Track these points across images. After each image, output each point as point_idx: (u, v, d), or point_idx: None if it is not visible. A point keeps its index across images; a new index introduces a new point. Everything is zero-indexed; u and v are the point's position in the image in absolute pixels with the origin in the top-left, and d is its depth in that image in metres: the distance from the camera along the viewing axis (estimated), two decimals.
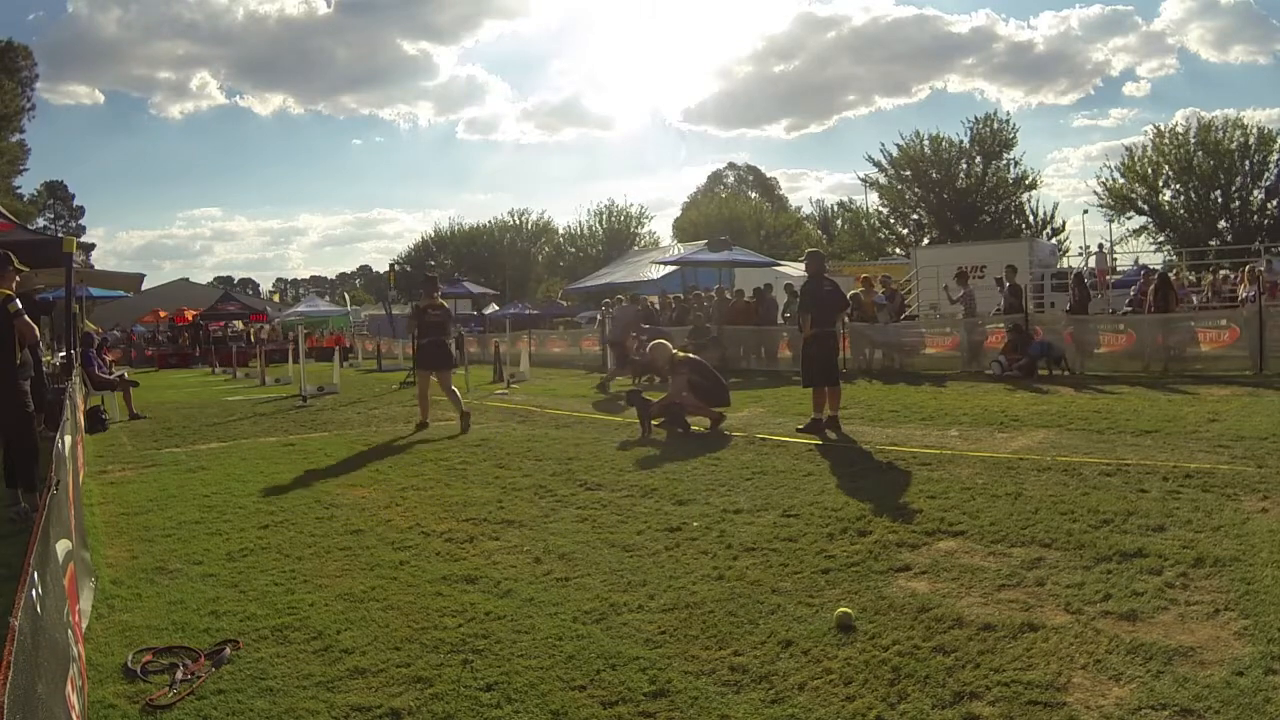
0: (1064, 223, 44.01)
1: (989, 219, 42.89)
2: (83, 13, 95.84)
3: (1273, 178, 37.60)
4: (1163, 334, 12.68)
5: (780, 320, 17.83)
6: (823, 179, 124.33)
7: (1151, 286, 15.20)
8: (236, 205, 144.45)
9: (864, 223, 49.55)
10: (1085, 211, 69.26)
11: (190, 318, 37.44)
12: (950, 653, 3.13)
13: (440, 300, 10.82)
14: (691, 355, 9.71)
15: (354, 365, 26.26)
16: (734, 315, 18.04)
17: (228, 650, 3.39)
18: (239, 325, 37.93)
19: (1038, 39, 79.22)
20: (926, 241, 41.78)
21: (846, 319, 13.63)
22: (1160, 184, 40.71)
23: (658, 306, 20.86)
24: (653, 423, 8.57)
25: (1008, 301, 14.95)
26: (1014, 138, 43.90)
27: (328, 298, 73.57)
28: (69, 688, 2.15)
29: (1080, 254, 26.20)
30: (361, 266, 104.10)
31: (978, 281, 18.44)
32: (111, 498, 6.56)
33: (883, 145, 46.08)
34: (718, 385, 9.03)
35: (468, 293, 38.09)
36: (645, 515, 5.34)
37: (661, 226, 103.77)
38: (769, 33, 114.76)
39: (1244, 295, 16.18)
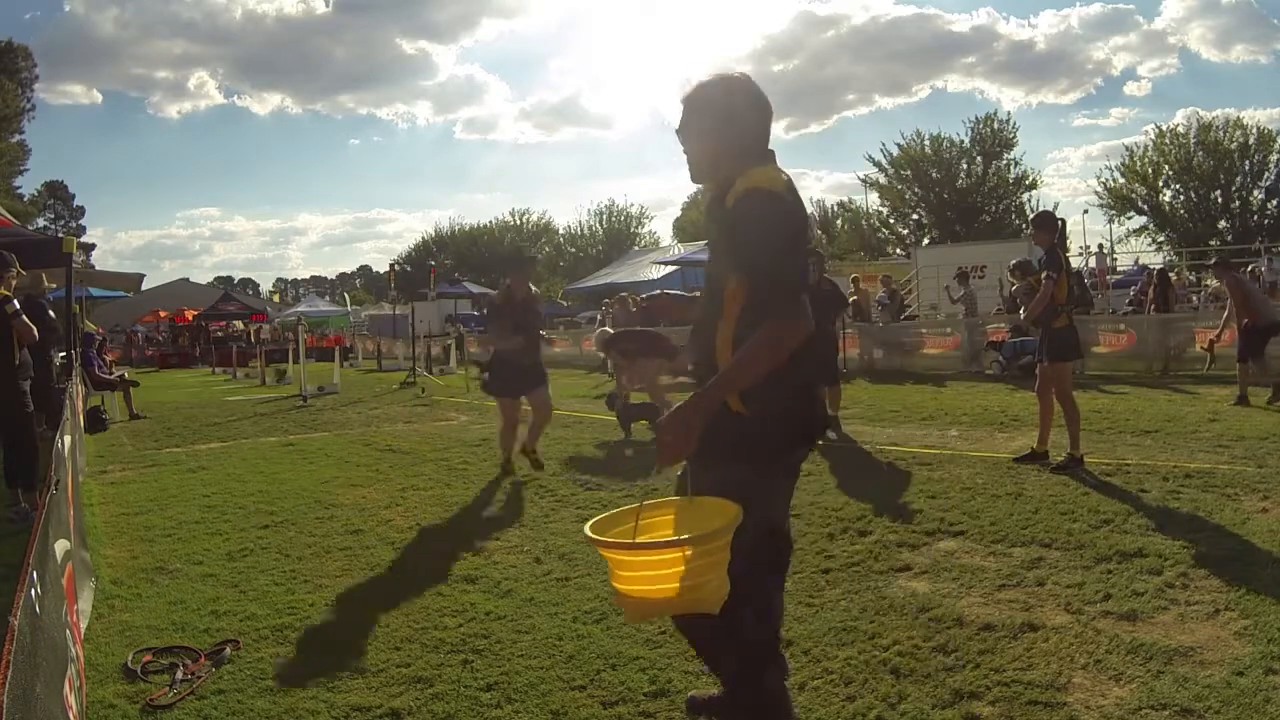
0: (1063, 223, 43.99)
1: (989, 219, 42.87)
2: (79, 12, 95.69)
3: (1273, 177, 37.63)
4: (1163, 334, 12.70)
5: None
6: (823, 179, 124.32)
7: (1152, 285, 15.25)
8: (235, 205, 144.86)
9: (864, 223, 49.53)
10: (1085, 211, 69.28)
11: (190, 318, 37.44)
12: (950, 653, 3.13)
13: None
14: (623, 330, 10.00)
15: (354, 365, 26.27)
16: None
17: (228, 650, 3.38)
18: (239, 325, 37.94)
19: (1038, 37, 78.95)
20: (927, 241, 41.76)
21: (846, 319, 13.65)
22: (1160, 184, 40.70)
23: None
24: (633, 424, 8.61)
25: (1010, 303, 14.99)
26: (1014, 137, 43.94)
27: (328, 298, 73.52)
28: (67, 688, 2.14)
29: (1080, 254, 26.18)
30: (361, 266, 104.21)
31: (978, 281, 18.46)
32: (111, 498, 6.55)
33: (883, 145, 46.10)
34: (653, 338, 8.93)
35: (468, 293, 38.13)
36: None
37: (661, 226, 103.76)
38: (768, 32, 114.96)
39: None
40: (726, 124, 2.17)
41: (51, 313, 5.90)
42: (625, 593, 2.01)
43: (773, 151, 2.22)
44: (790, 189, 2.12)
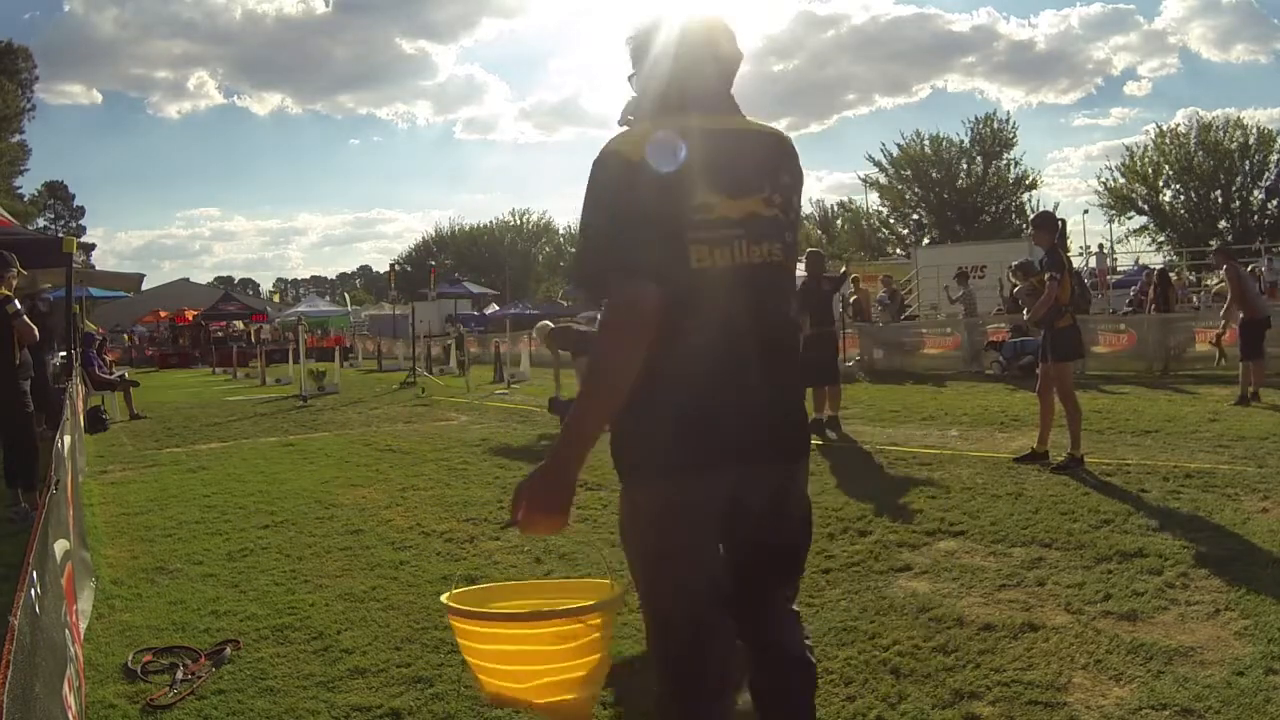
0: (1063, 223, 43.94)
1: (989, 219, 42.86)
2: (79, 12, 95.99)
3: (1273, 177, 37.62)
4: (1163, 334, 12.70)
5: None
6: (823, 179, 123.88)
7: (1152, 285, 15.26)
8: (235, 205, 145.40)
9: (864, 223, 49.51)
10: (1085, 211, 69.25)
11: (190, 318, 37.42)
12: (950, 653, 3.13)
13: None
14: (564, 325, 9.97)
15: (354, 365, 26.26)
16: None
17: (228, 650, 3.38)
18: (239, 325, 37.93)
19: (1038, 37, 78.97)
20: (927, 241, 41.74)
21: (848, 318, 13.69)
22: (1160, 184, 40.70)
23: None
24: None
25: (1011, 303, 15.00)
26: (1014, 137, 43.94)
27: (328, 298, 73.47)
28: (66, 688, 2.14)
29: (1080, 254, 26.18)
30: (361, 266, 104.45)
31: (978, 281, 18.46)
32: (111, 498, 6.55)
33: (883, 145, 46.06)
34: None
35: (468, 293, 38.15)
36: None
37: None
38: (768, 32, 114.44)
39: None
40: (638, 69, 1.79)
41: (20, 307, 5.91)
42: (474, 666, 1.72)
43: (731, 99, 1.85)
44: (661, 144, 1.59)
